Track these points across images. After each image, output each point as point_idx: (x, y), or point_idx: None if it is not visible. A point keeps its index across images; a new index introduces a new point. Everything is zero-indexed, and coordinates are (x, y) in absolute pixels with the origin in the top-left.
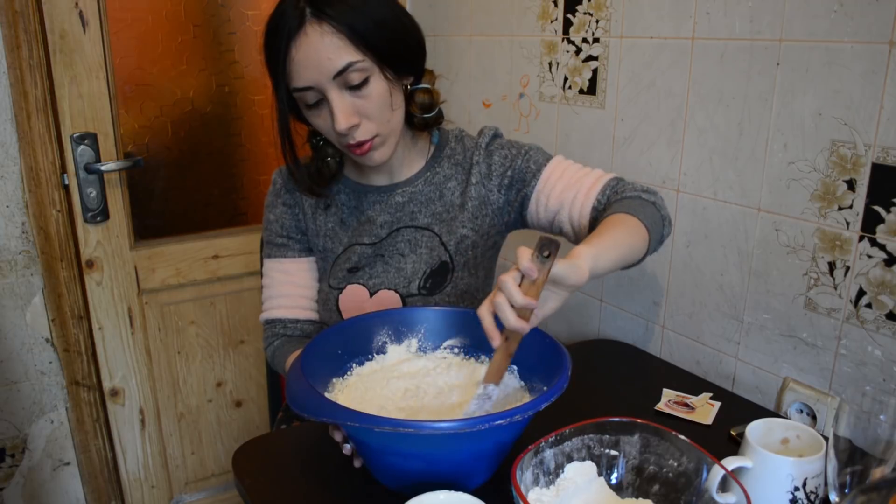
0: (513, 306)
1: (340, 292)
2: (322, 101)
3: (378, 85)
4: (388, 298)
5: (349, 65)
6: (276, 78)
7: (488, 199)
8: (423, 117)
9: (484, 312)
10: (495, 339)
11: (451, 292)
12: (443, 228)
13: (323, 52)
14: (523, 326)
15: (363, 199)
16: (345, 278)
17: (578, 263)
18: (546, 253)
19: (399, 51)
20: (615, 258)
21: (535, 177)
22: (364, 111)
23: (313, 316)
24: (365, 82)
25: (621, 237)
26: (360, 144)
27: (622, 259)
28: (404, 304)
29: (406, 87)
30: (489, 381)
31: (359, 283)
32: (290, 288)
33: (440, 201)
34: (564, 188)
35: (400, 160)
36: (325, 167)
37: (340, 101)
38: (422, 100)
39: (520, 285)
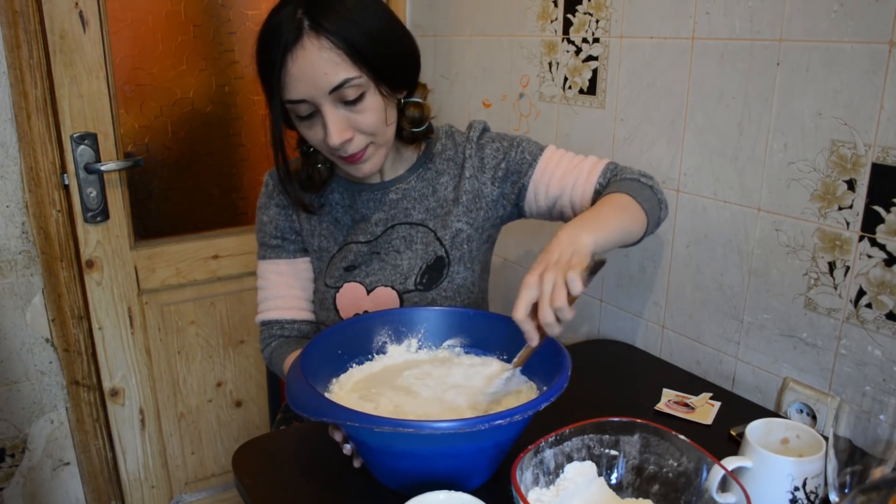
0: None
1: (337, 291)
2: (315, 113)
3: (373, 100)
4: (386, 295)
5: (346, 81)
6: (270, 89)
7: (482, 193)
8: (412, 131)
9: (523, 318)
10: (535, 341)
11: (448, 287)
12: (437, 224)
13: (320, 66)
14: (562, 331)
15: (357, 197)
16: (341, 277)
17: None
18: (594, 272)
19: (395, 65)
20: (613, 242)
21: (531, 166)
22: (358, 125)
23: (310, 316)
24: (360, 98)
25: (620, 220)
26: (352, 155)
27: (619, 242)
28: (402, 300)
29: (399, 100)
30: (517, 366)
31: (356, 281)
32: (286, 289)
33: (433, 197)
34: (564, 174)
35: (389, 162)
36: (315, 173)
37: (334, 116)
38: (412, 114)
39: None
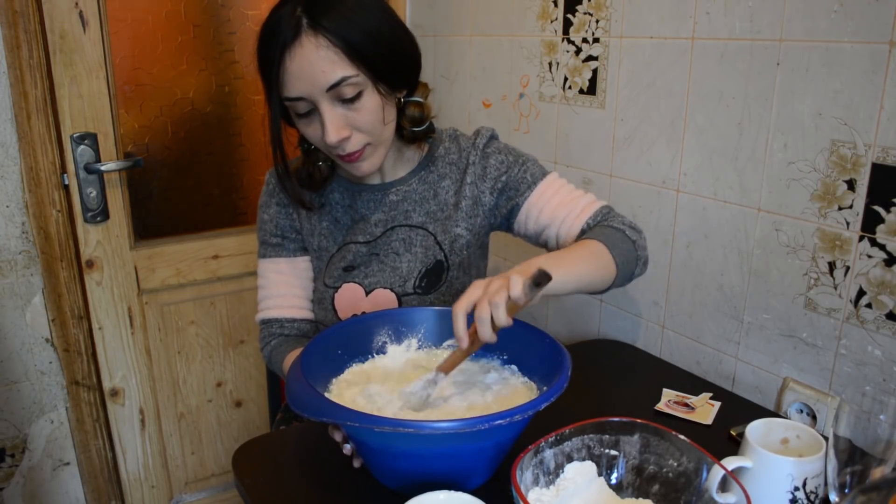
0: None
1: (336, 291)
2: (313, 111)
3: (371, 99)
4: (384, 297)
5: (343, 79)
6: (269, 86)
7: (480, 200)
8: (412, 131)
9: (460, 312)
10: (464, 342)
11: (447, 292)
12: (437, 227)
13: (317, 64)
14: (494, 340)
15: (357, 197)
16: (340, 277)
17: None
18: (538, 283)
19: (393, 65)
20: (569, 291)
21: (529, 188)
22: (355, 124)
23: (309, 315)
24: (358, 96)
25: (584, 271)
26: (350, 154)
27: (576, 292)
28: (400, 303)
29: (399, 99)
30: (443, 370)
31: (354, 282)
32: (286, 287)
33: (434, 200)
34: (558, 206)
35: (391, 162)
36: (316, 172)
37: (332, 114)
38: (412, 113)
39: None
